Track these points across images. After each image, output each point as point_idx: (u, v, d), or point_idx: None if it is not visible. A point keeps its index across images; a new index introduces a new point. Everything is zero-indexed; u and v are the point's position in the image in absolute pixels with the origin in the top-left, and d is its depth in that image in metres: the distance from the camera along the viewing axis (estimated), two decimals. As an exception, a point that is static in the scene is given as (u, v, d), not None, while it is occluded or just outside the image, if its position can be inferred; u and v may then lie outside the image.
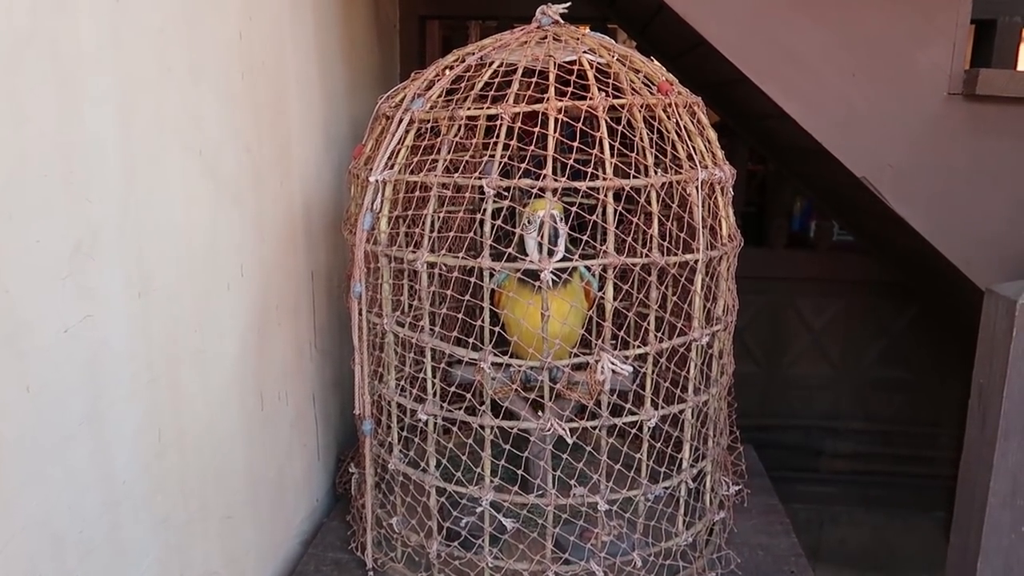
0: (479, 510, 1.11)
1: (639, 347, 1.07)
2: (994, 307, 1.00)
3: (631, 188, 1.03)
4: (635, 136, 1.07)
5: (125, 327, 0.85)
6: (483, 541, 1.12)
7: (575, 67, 1.11)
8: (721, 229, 1.15)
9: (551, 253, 1.04)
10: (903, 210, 1.31)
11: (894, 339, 2.28)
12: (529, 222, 1.12)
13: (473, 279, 1.05)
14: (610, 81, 1.09)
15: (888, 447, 2.33)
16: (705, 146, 1.14)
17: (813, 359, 2.33)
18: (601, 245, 1.03)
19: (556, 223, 1.07)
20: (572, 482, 1.11)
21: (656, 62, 1.20)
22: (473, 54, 1.16)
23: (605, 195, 1.00)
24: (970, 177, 1.29)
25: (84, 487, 0.80)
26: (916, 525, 2.35)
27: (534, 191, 1.02)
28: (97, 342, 0.80)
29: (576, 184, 1.00)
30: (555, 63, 1.09)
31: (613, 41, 1.22)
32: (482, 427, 1.08)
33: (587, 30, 1.25)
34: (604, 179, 1.00)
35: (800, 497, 2.28)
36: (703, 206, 1.09)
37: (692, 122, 1.15)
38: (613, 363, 1.04)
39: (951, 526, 1.10)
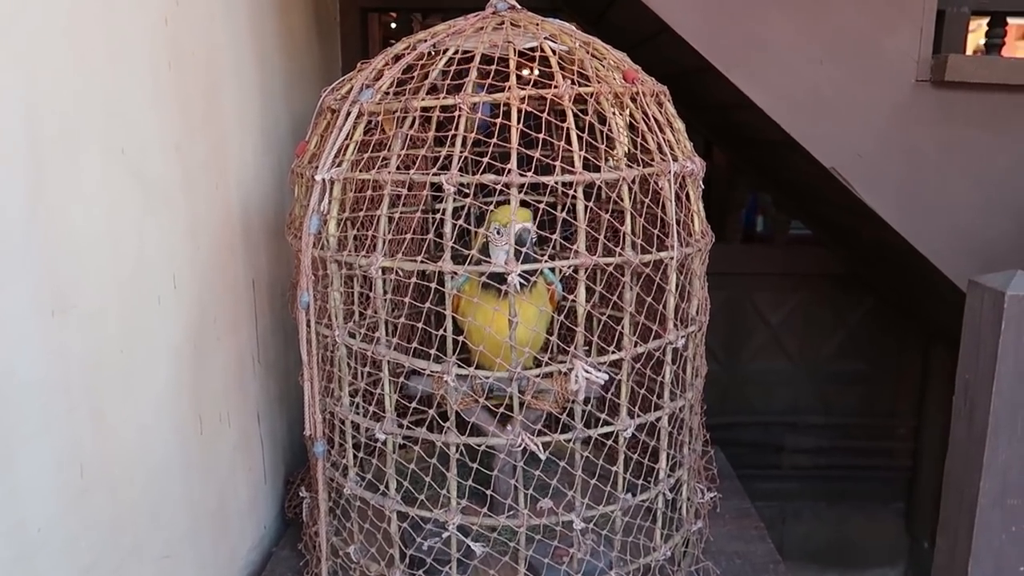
0: (445, 535, 1.03)
1: (614, 353, 1.00)
2: (979, 299, 0.96)
3: (601, 182, 0.96)
4: (603, 127, 1.00)
5: (35, 352, 0.74)
6: (450, 568, 1.04)
7: (536, 54, 1.04)
8: (693, 224, 1.09)
9: (518, 255, 0.95)
10: (872, 200, 1.28)
11: (851, 331, 2.27)
12: (499, 233, 1.04)
13: (433, 284, 0.96)
14: (574, 69, 1.01)
15: (848, 440, 2.32)
16: (674, 137, 1.08)
17: (772, 354, 2.31)
18: (568, 244, 0.95)
19: (529, 232, 0.99)
20: (546, 500, 1.03)
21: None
22: (425, 41, 1.07)
23: (575, 191, 0.93)
24: (940, 165, 1.26)
25: (-10, 540, 0.68)
26: (877, 517, 2.35)
27: (498, 187, 0.93)
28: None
29: (543, 179, 0.93)
30: (515, 50, 1.01)
31: (573, 27, 1.15)
32: (446, 445, 1.00)
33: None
34: (574, 173, 0.92)
35: (762, 495, 2.25)
36: (675, 200, 1.03)
37: (660, 112, 1.08)
38: (588, 371, 0.96)
39: (937, 528, 1.06)
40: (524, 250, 0.95)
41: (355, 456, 1.09)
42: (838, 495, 2.35)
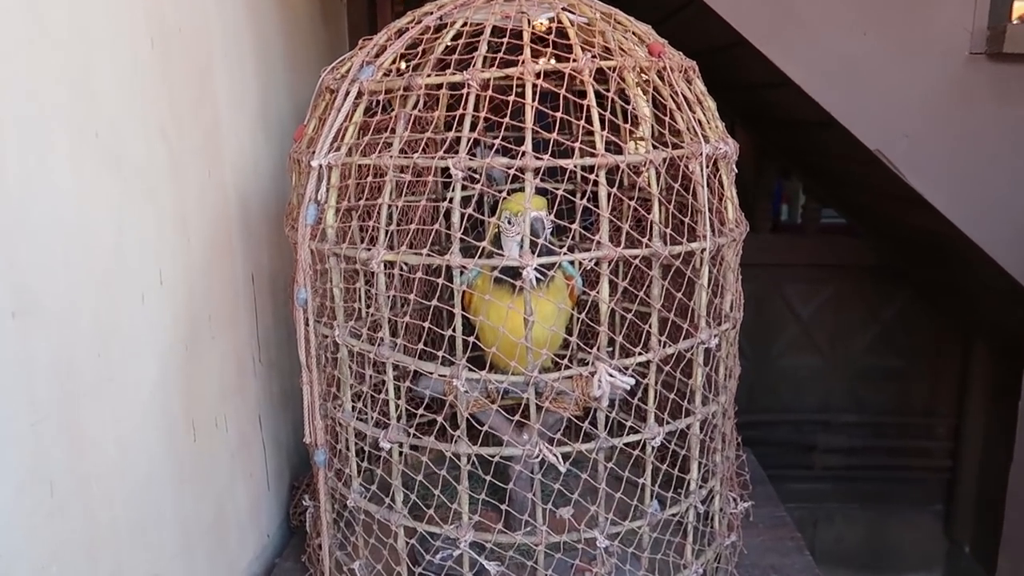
0: (456, 552, 0.94)
1: (641, 353, 0.90)
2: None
3: (626, 165, 0.86)
4: (627, 105, 0.91)
5: (-7, 358, 0.66)
6: (462, 588, 0.95)
7: (553, 25, 0.94)
8: (727, 212, 0.99)
9: (533, 247, 0.86)
10: (920, 185, 1.17)
11: (886, 325, 2.16)
12: (510, 223, 0.94)
13: (441, 280, 0.87)
14: (595, 41, 0.91)
15: (882, 439, 2.21)
16: (705, 116, 0.98)
17: (802, 349, 2.20)
18: (588, 235, 0.86)
19: (544, 222, 0.90)
20: (565, 508, 0.94)
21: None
22: (431, 14, 0.98)
23: (597, 175, 0.83)
24: (996, 146, 1.15)
25: (-61, 572, 0.61)
26: (913, 520, 2.24)
27: (511, 172, 0.84)
28: (-51, 381, 0.61)
29: (562, 162, 0.83)
30: (530, 21, 0.92)
31: (594, -2, 1.05)
32: (456, 456, 0.91)
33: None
34: (596, 156, 0.83)
35: (792, 496, 2.15)
36: (707, 186, 0.93)
37: (689, 89, 0.99)
38: (612, 374, 0.87)
39: (999, 547, 0.96)
40: (539, 242, 0.86)
41: (359, 466, 1.01)
42: (872, 497, 2.24)
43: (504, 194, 0.89)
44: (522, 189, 0.85)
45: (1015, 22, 1.74)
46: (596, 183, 0.84)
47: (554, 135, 0.85)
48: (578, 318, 0.94)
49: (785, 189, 2.74)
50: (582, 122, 0.84)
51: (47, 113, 0.72)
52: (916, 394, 2.19)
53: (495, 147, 0.86)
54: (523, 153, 0.82)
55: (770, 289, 2.15)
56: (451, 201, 0.84)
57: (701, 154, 0.91)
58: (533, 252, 0.84)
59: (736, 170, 1.03)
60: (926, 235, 1.42)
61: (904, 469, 2.22)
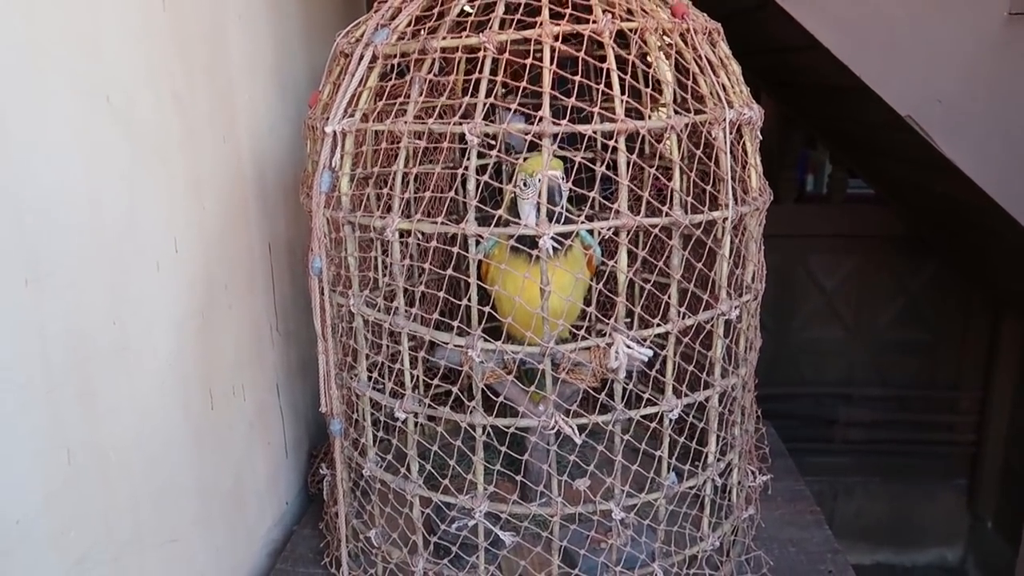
0: (471, 522, 0.94)
1: (659, 325, 0.89)
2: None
3: (648, 132, 0.84)
4: (648, 68, 0.88)
5: (5, 325, 0.65)
6: (477, 557, 0.95)
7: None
8: (750, 180, 0.96)
9: (551, 215, 0.84)
10: (954, 153, 1.13)
11: (912, 297, 2.12)
12: (526, 184, 0.93)
13: (456, 249, 0.85)
14: (616, 2, 0.88)
15: (905, 413, 2.18)
16: (729, 81, 0.95)
17: (825, 321, 2.17)
18: (608, 203, 0.84)
19: (559, 184, 0.87)
20: (582, 480, 0.93)
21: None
22: (447, -26, 0.96)
23: (616, 140, 0.81)
24: (1033, 112, 1.11)
25: (-44, 537, 0.61)
26: (936, 494, 2.22)
27: (528, 138, 0.82)
28: (-39, 348, 0.61)
29: (580, 128, 0.81)
30: (548, -19, 0.89)
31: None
32: (472, 427, 0.90)
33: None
34: (616, 121, 0.80)
35: (812, 469, 2.13)
36: (731, 153, 0.90)
37: (713, 52, 0.95)
38: (630, 346, 0.85)
39: (996, 514, 0.93)
40: (556, 208, 0.84)
41: (375, 436, 1.01)
42: (894, 471, 2.22)
43: (521, 160, 0.87)
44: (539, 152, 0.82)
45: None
46: (616, 150, 0.82)
47: (572, 100, 0.82)
48: (596, 288, 0.93)
49: (811, 159, 2.68)
50: (601, 86, 0.82)
51: (56, 76, 0.71)
52: (941, 367, 2.16)
53: (514, 111, 0.84)
54: (540, 119, 0.80)
55: (794, 261, 2.11)
56: (467, 168, 0.82)
57: (725, 120, 0.88)
58: (550, 219, 0.82)
59: (761, 137, 1.00)
60: (956, 204, 1.38)
61: (927, 443, 2.20)
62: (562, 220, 0.83)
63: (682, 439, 0.96)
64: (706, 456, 1.00)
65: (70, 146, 0.73)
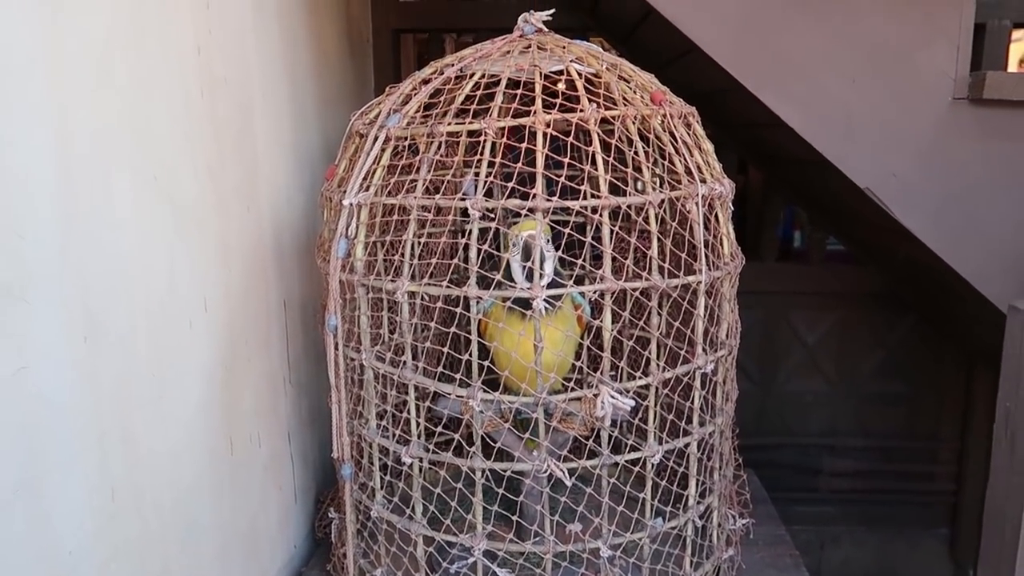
0: (471, 560, 1.02)
1: (641, 378, 0.99)
2: (1019, 324, 0.93)
3: (627, 206, 0.95)
4: (629, 150, 1.00)
5: (68, 377, 0.75)
6: (476, 593, 1.03)
7: (562, 77, 1.04)
8: (722, 247, 1.07)
9: (540, 277, 0.95)
10: (910, 222, 1.25)
11: (891, 351, 2.21)
12: (513, 244, 1.04)
13: (459, 309, 0.96)
14: (600, 92, 1.01)
15: (888, 463, 2.26)
16: (703, 159, 1.07)
17: (808, 374, 2.26)
18: (594, 268, 0.95)
19: (541, 243, 0.98)
20: (574, 524, 1.02)
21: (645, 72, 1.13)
22: (452, 65, 1.08)
23: (600, 214, 0.92)
24: (980, 185, 1.23)
25: (21, 564, 0.69)
26: (920, 543, 2.28)
27: (523, 212, 0.93)
28: (33, 397, 0.70)
29: (569, 203, 0.92)
30: (541, 73, 1.01)
31: (600, 49, 1.14)
32: (472, 470, 0.99)
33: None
34: (599, 197, 0.92)
35: (799, 519, 2.20)
36: (703, 223, 1.01)
37: (688, 134, 1.07)
38: (614, 396, 0.95)
39: (977, 563, 1.02)
40: (529, 265, 0.95)
41: (382, 479, 1.09)
42: (878, 520, 2.28)
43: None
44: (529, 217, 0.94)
45: (1012, 68, 1.81)
46: (601, 221, 0.93)
47: (563, 178, 0.94)
48: (586, 343, 1.03)
49: (797, 216, 2.80)
50: (587, 166, 0.93)
51: (115, 159, 0.82)
52: (921, 418, 2.24)
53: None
54: (534, 195, 0.91)
55: (776, 316, 2.22)
56: (469, 236, 0.93)
57: (698, 195, 1.00)
58: (535, 276, 0.93)
59: (732, 208, 1.11)
60: (919, 266, 1.50)
61: (910, 493, 2.26)
62: (549, 279, 0.93)
63: (663, 483, 1.05)
64: (686, 499, 1.09)
65: (126, 221, 0.84)
